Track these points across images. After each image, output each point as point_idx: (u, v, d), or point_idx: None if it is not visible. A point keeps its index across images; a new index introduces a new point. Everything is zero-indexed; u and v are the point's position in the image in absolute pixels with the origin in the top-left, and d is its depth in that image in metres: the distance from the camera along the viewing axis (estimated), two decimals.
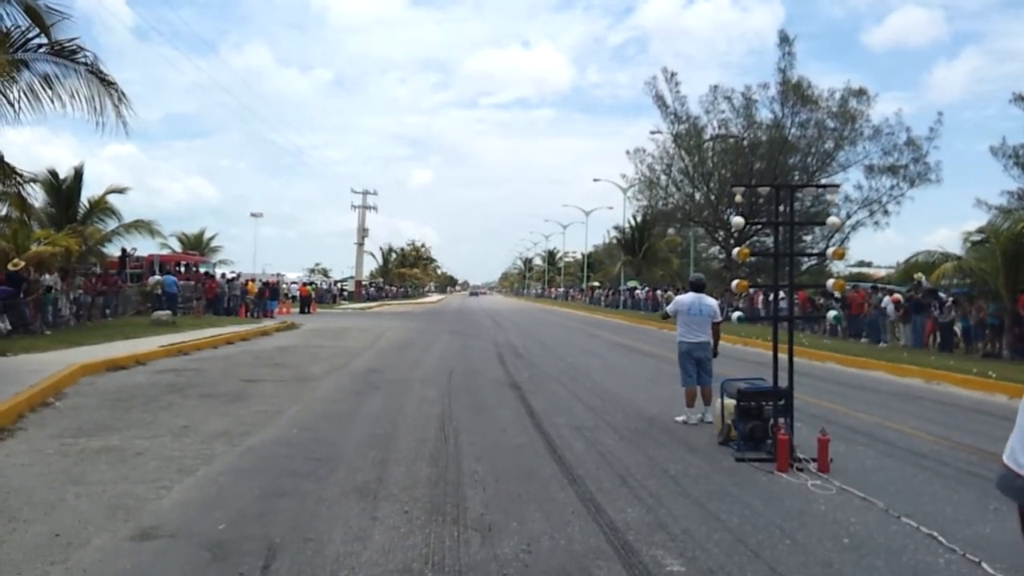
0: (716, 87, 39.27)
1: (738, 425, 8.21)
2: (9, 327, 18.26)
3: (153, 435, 8.39)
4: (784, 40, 37.43)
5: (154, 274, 32.94)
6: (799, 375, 9.07)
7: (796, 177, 39.02)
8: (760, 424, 8.11)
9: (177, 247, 49.03)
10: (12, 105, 11.89)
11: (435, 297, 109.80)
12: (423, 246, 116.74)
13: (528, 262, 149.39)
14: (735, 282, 7.89)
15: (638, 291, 54.70)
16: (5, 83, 11.56)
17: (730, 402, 8.58)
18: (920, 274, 22.41)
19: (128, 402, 10.64)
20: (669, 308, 9.97)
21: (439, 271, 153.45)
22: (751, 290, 37.54)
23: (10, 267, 18.62)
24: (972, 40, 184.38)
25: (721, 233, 41.95)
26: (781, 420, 7.67)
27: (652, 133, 41.24)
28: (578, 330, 32.60)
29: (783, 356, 7.95)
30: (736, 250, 7.61)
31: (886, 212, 36.95)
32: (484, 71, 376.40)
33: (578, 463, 7.47)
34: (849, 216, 38.25)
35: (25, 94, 12.00)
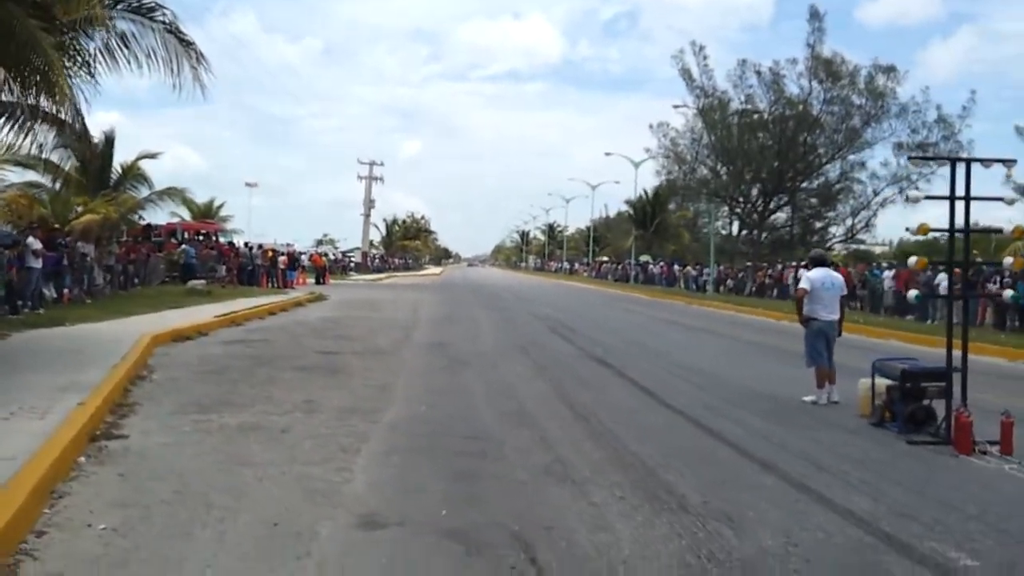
0: (744, 61, 38.81)
1: (897, 406, 7.89)
2: (55, 295, 17.76)
3: (283, 411, 7.99)
4: (814, 15, 36.91)
5: (175, 242, 32.40)
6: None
7: (822, 153, 38.68)
8: (922, 406, 7.80)
9: (186, 215, 48.21)
10: (88, 65, 11.30)
11: (435, 269, 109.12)
12: (423, 218, 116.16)
13: (525, 235, 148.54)
14: (913, 259, 7.50)
15: (651, 266, 54.38)
16: (83, 41, 10.98)
17: (880, 382, 8.26)
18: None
19: (223, 374, 10.23)
20: (802, 285, 9.60)
21: (436, 244, 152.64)
22: (779, 265, 37.24)
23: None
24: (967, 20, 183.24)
25: (745, 208, 41.59)
26: (957, 402, 7.31)
27: (676, 107, 40.72)
28: (607, 305, 32.17)
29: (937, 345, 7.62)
30: (916, 226, 7.21)
31: (916, 189, 36.48)
32: (475, 42, 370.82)
33: (747, 445, 7.13)
34: (876, 193, 37.96)
35: (102, 52, 11.41)
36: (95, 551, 4.24)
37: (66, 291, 18.67)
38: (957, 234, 7.37)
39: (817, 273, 9.54)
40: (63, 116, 10.46)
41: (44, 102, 10.17)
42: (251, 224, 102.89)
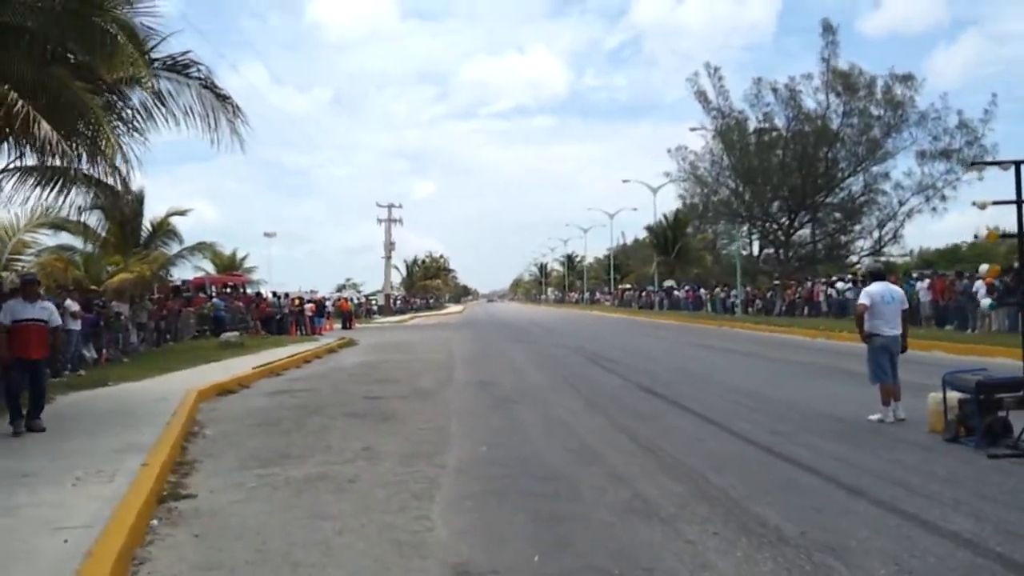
0: (760, 79, 38.76)
1: (973, 420, 7.66)
2: (96, 355, 17.79)
3: (345, 460, 7.87)
4: (827, 29, 36.90)
5: (204, 296, 32.56)
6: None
7: (843, 167, 38.49)
8: (999, 418, 7.58)
9: (210, 268, 48.44)
10: (126, 124, 11.38)
11: (456, 307, 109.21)
12: (441, 257, 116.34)
13: (543, 268, 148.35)
14: (985, 266, 7.34)
15: (676, 291, 54.05)
16: (123, 101, 11.08)
17: (951, 396, 8.05)
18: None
19: (276, 426, 10.15)
20: (862, 300, 9.42)
21: (455, 282, 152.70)
22: (808, 282, 36.92)
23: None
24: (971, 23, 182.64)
25: (768, 227, 41.34)
26: None
27: (693, 129, 40.74)
28: (638, 333, 31.91)
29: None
30: (985, 232, 7.04)
31: (943, 198, 36.21)
32: (480, 80, 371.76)
33: (827, 469, 6.92)
34: (902, 204, 37.64)
35: (138, 112, 11.52)
36: None
37: (103, 351, 18.70)
38: None
39: (876, 287, 9.36)
40: (110, 179, 10.54)
41: (85, 164, 10.21)
42: (272, 273, 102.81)
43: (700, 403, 11.11)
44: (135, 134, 11.29)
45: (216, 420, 10.81)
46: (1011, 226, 6.83)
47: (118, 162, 9.73)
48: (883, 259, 42.17)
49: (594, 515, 5.79)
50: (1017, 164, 7.12)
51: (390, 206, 69.62)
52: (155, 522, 5.87)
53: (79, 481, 6.64)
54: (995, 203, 7.58)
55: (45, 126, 7.88)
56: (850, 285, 31.69)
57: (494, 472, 7.26)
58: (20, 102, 7.65)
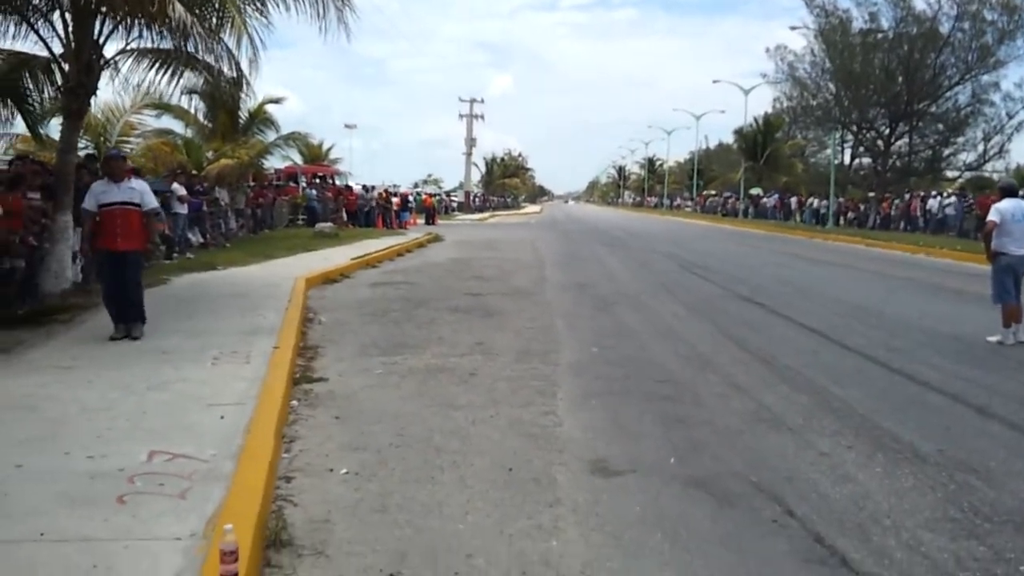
0: None
1: None
2: (201, 239, 18.40)
3: (461, 353, 8.06)
4: None
5: (295, 186, 33.18)
6: None
7: (951, 75, 36.37)
8: None
9: (297, 159, 49.08)
10: (248, 6, 11.39)
11: (533, 207, 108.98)
12: (520, 156, 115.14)
13: (621, 170, 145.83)
14: None
15: (764, 199, 52.70)
16: None
17: None
18: None
19: (386, 316, 10.44)
20: (991, 217, 9.06)
21: (532, 181, 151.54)
22: (907, 195, 35.65)
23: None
24: None
25: (866, 135, 39.65)
26: None
27: (793, 28, 38.88)
28: (727, 241, 31.27)
29: None
30: None
31: None
32: None
33: (953, 389, 6.80)
34: (1011, 116, 35.59)
35: None
36: (349, 496, 4.34)
37: (207, 236, 19.32)
38: None
39: (1007, 204, 8.98)
40: (224, 64, 10.62)
41: (203, 48, 10.28)
42: (352, 166, 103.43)
43: (806, 315, 10.94)
44: (259, 16, 11.28)
45: (328, 308, 11.15)
46: None
47: (244, 46, 9.79)
48: (985, 175, 40.30)
49: (720, 421, 5.85)
50: None
51: (472, 100, 69.08)
52: (295, 403, 6.15)
53: (217, 360, 6.97)
54: None
55: (179, 8, 7.95)
56: (950, 200, 30.56)
57: (611, 373, 7.36)
58: None
